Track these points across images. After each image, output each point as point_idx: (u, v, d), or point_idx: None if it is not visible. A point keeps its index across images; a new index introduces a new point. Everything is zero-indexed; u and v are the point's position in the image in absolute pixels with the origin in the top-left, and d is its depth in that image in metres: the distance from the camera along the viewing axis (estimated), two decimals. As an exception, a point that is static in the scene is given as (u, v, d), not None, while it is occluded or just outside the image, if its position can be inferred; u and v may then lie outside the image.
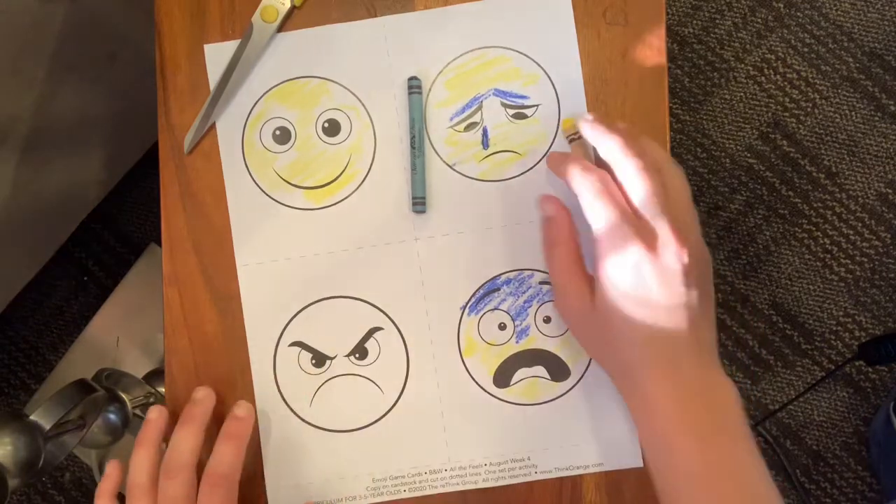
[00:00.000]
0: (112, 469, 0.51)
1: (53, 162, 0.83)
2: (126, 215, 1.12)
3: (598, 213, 0.43)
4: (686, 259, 0.42)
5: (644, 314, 0.43)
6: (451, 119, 0.52)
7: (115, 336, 0.99)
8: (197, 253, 0.52)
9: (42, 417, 0.55)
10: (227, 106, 0.53)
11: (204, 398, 0.50)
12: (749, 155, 1.12)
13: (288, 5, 0.52)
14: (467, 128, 0.52)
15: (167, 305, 0.52)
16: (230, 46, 0.52)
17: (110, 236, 1.12)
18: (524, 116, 0.52)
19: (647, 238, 0.42)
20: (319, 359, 0.52)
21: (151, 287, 1.02)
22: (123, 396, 0.73)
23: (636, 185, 0.43)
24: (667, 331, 0.43)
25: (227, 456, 0.48)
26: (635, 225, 0.42)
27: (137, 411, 0.59)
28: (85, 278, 1.12)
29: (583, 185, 0.44)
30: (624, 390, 0.46)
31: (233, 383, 0.52)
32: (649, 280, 0.42)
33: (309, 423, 0.52)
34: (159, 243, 0.64)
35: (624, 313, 0.43)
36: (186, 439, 0.48)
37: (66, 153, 0.85)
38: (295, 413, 0.52)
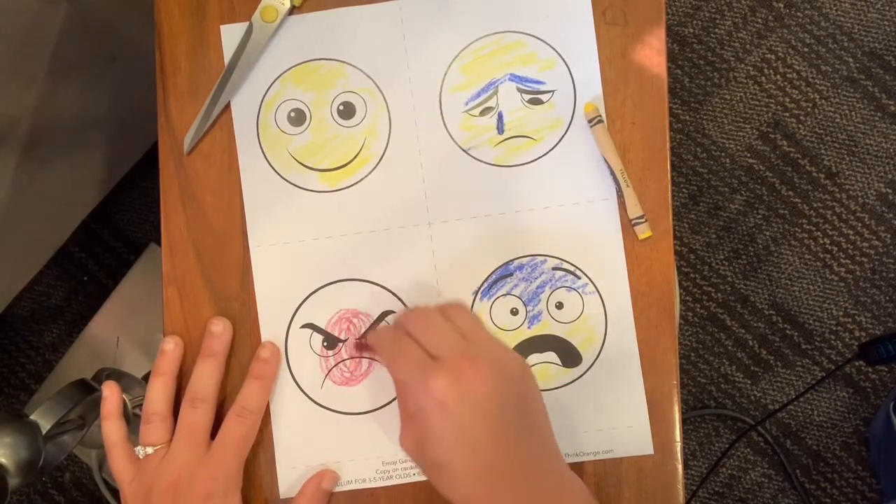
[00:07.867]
0: (109, 390, 0.52)
1: (53, 162, 0.83)
2: (126, 215, 1.12)
3: (395, 364, 0.45)
4: (462, 388, 0.41)
5: (451, 445, 0.42)
6: (467, 104, 0.52)
7: (115, 336, 0.99)
8: (197, 253, 0.52)
9: (42, 417, 0.54)
10: (241, 87, 0.52)
11: (222, 331, 0.51)
12: (749, 155, 1.12)
13: (287, 5, 0.52)
14: (482, 112, 0.52)
15: (167, 305, 0.52)
16: (243, 28, 0.52)
17: (110, 236, 1.12)
18: (540, 102, 0.52)
19: (435, 374, 0.42)
20: (331, 341, 0.52)
21: (151, 287, 1.02)
22: (123, 396, 0.73)
23: (424, 333, 0.44)
24: (483, 453, 0.42)
25: (254, 394, 0.50)
26: (426, 365, 0.42)
27: (137, 411, 0.59)
28: (85, 278, 1.12)
29: (379, 341, 0.47)
30: None
31: (233, 382, 0.52)
32: (435, 417, 0.41)
33: (320, 405, 0.52)
34: (159, 243, 0.64)
35: (435, 446, 0.42)
36: (211, 372, 0.50)
37: (66, 153, 0.85)
38: (306, 395, 0.52)
